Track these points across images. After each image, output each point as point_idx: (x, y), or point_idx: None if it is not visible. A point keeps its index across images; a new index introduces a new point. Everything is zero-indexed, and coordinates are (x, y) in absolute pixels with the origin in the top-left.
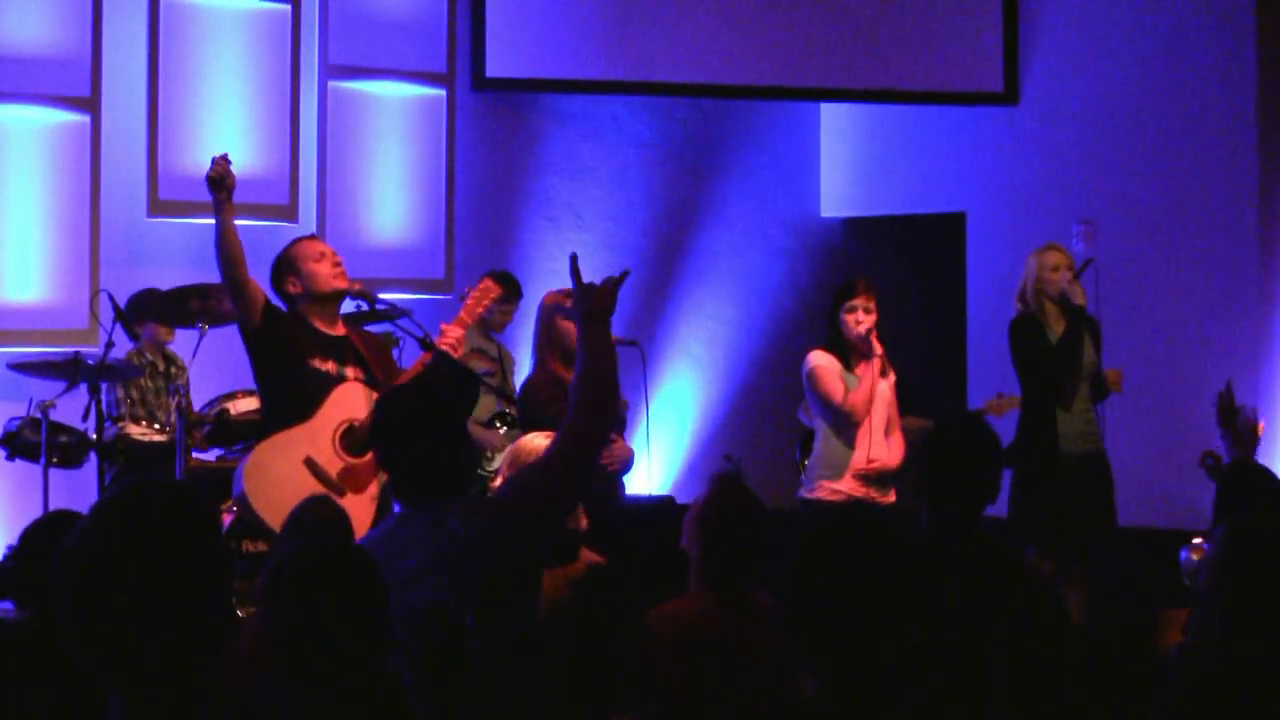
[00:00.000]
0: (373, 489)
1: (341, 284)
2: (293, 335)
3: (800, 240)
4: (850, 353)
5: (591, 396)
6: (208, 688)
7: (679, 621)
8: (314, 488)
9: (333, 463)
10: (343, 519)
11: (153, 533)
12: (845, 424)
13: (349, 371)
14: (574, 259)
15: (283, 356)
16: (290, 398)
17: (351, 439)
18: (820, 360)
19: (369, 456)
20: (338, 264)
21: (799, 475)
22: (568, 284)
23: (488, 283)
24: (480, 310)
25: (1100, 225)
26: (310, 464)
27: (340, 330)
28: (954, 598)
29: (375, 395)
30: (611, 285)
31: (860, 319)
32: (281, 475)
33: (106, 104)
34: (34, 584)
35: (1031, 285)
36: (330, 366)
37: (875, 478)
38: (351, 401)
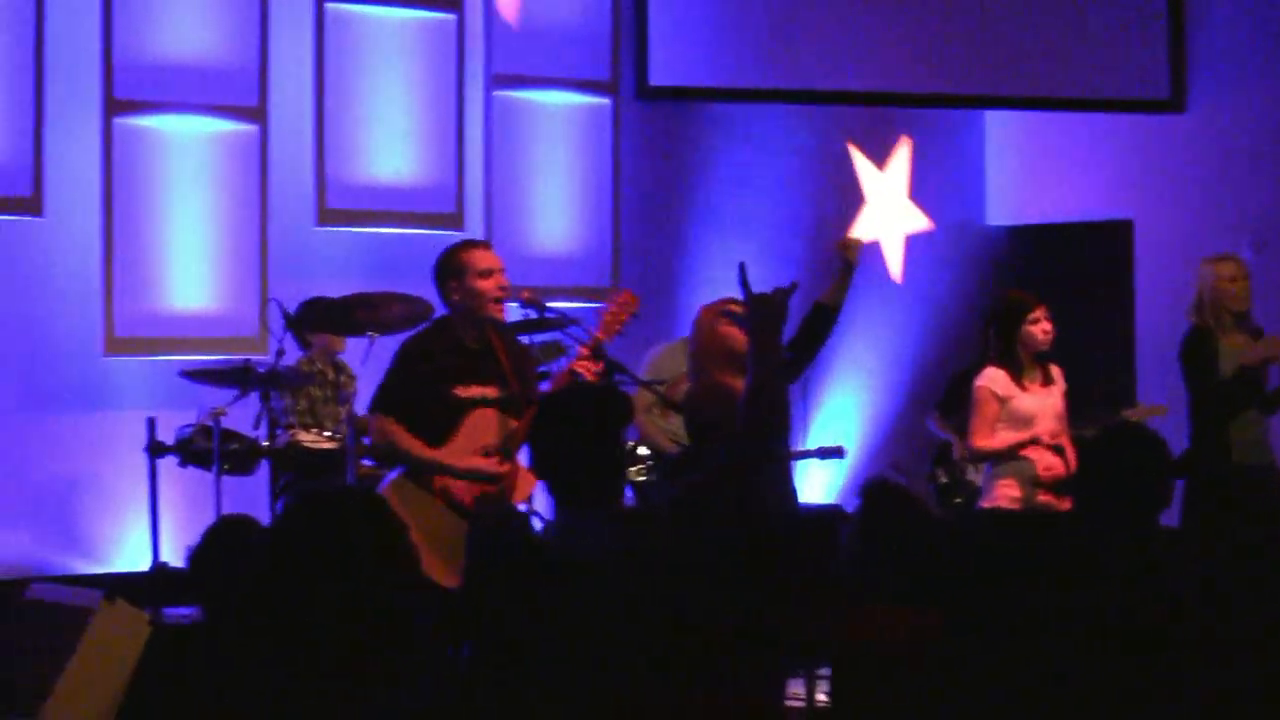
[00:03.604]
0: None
1: (498, 314)
2: (438, 361)
3: (965, 249)
4: (1026, 368)
5: (761, 410)
6: (394, 682)
7: (848, 634)
8: (450, 518)
9: (467, 489)
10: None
11: (344, 535)
12: (970, 459)
13: (490, 390)
14: (743, 268)
15: (428, 386)
16: (428, 423)
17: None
18: (989, 382)
19: (501, 484)
20: (503, 286)
21: (929, 486)
22: (730, 292)
23: (627, 295)
24: (618, 326)
25: (1270, 233)
26: (444, 493)
27: (487, 340)
28: (1129, 606)
29: (506, 417)
30: (781, 296)
31: (1047, 329)
32: (417, 510)
33: (274, 114)
34: (215, 587)
35: (1208, 296)
36: (473, 391)
37: (1052, 485)
38: (485, 426)
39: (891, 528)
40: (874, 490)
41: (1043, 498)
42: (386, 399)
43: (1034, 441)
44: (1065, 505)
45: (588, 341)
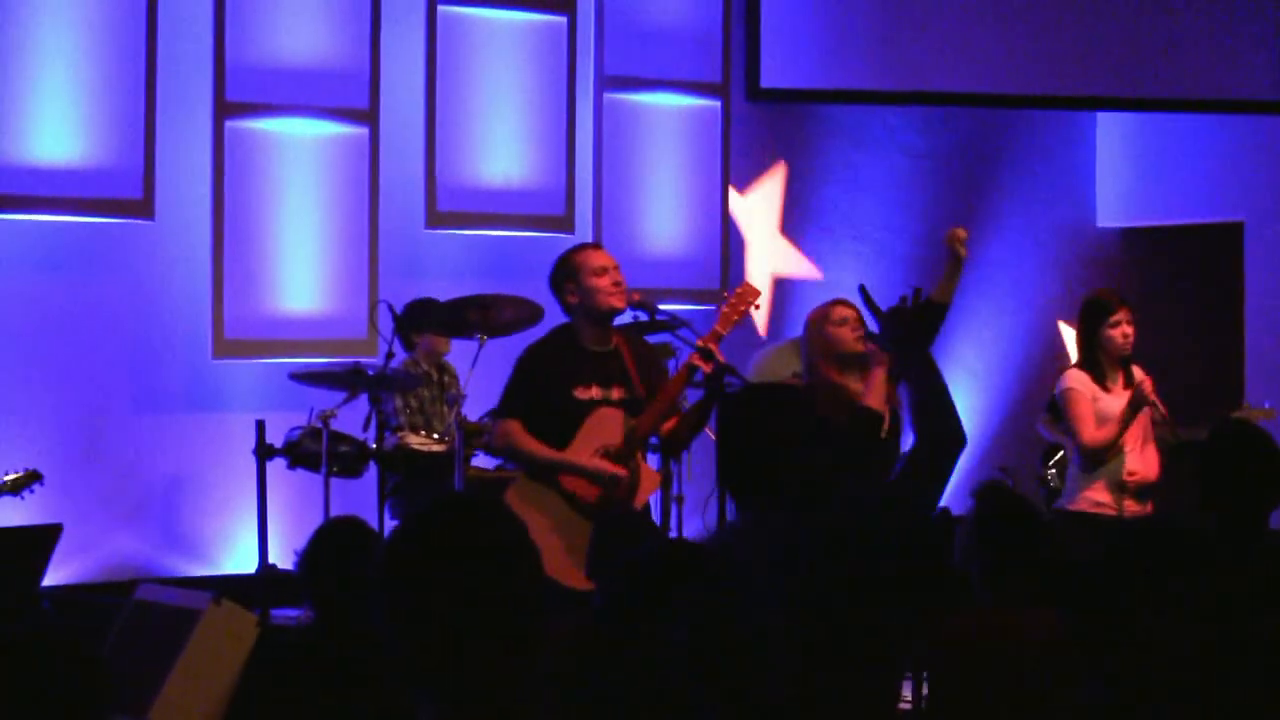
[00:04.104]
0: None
1: (619, 303)
2: (558, 365)
3: (1075, 251)
4: (1108, 370)
5: (931, 422)
6: (521, 693)
7: (963, 636)
8: (574, 520)
9: (589, 490)
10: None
11: (472, 541)
12: (1090, 457)
13: (613, 393)
14: (864, 291)
15: (547, 389)
16: (550, 426)
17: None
18: (1074, 382)
19: (624, 484)
20: (618, 283)
21: (1040, 489)
22: (840, 295)
23: (747, 286)
24: (736, 318)
25: None
26: (569, 495)
27: (611, 344)
28: (1246, 609)
29: (632, 417)
30: (914, 304)
31: (1128, 333)
32: (540, 512)
33: (385, 117)
34: (324, 589)
35: None
36: (594, 392)
37: (1135, 490)
38: (607, 426)
39: (1004, 531)
40: (987, 493)
41: (1128, 503)
42: (508, 403)
43: (1145, 403)
44: (1149, 510)
45: (698, 344)
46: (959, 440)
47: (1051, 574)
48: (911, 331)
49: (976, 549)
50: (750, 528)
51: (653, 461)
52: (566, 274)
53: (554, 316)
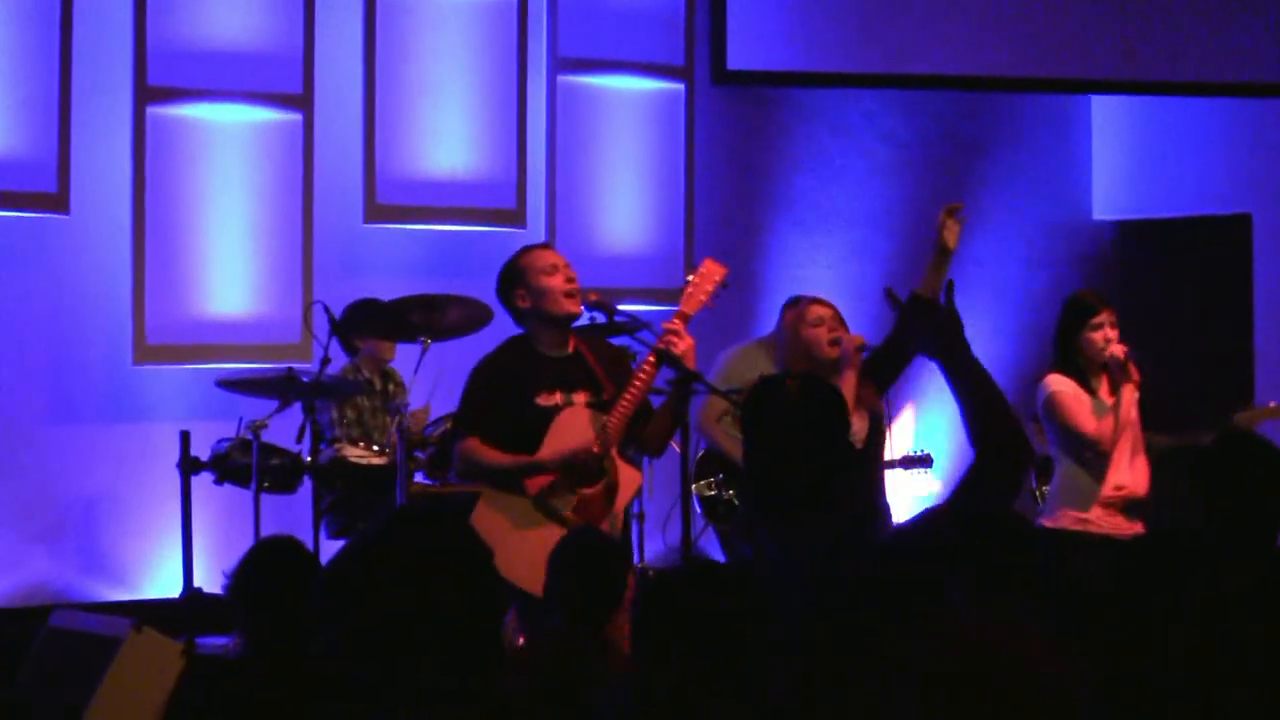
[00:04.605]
0: (610, 516)
1: (573, 308)
2: (516, 374)
3: (1069, 246)
4: (1090, 375)
5: (995, 428)
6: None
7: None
8: (548, 530)
9: (563, 498)
10: (618, 546)
11: (428, 557)
12: (1093, 454)
13: (577, 398)
14: (891, 293)
15: (506, 399)
16: (513, 438)
17: (582, 469)
18: (1060, 385)
19: (601, 485)
20: (571, 280)
21: (1034, 503)
22: (815, 292)
23: (709, 265)
24: (703, 298)
25: None
26: (540, 503)
27: (570, 348)
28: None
29: (599, 414)
30: (945, 301)
31: (1110, 336)
32: (509, 524)
33: (320, 102)
34: (256, 615)
35: None
36: (556, 398)
37: (1123, 505)
38: (576, 426)
39: (999, 549)
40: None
41: (1116, 520)
42: (467, 420)
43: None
44: (1136, 528)
45: (655, 346)
46: (1025, 449)
47: (1045, 594)
48: (953, 332)
49: (966, 567)
50: (801, 546)
51: None
52: (514, 279)
53: (504, 318)
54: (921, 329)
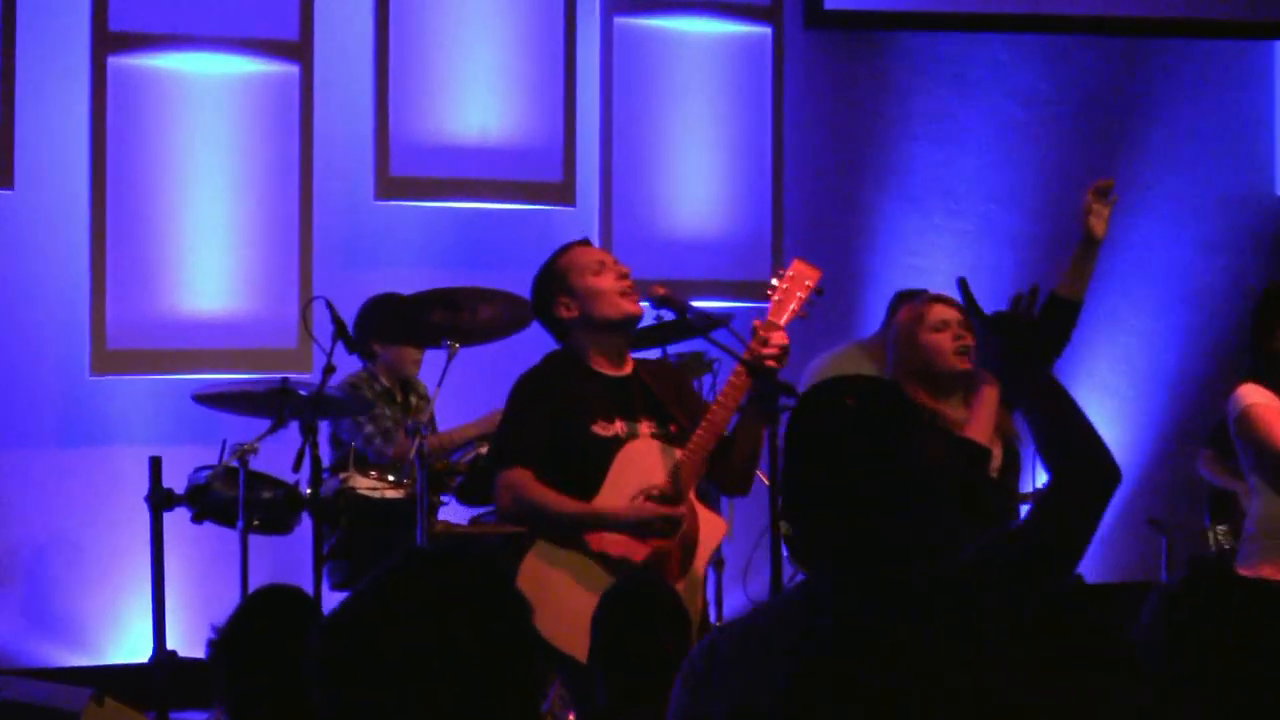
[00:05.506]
0: (689, 576)
1: (633, 308)
2: (568, 394)
3: (1248, 226)
4: None
5: (1074, 445)
6: None
7: None
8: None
9: (633, 548)
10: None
11: (448, 611)
12: None
13: (641, 427)
14: (964, 285)
15: (556, 426)
16: (568, 473)
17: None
18: (1257, 397)
19: (677, 537)
20: (624, 276)
21: (1205, 542)
22: (932, 285)
23: (799, 266)
24: (794, 305)
25: None
26: (603, 557)
27: (629, 368)
28: None
29: (670, 447)
30: (1028, 308)
31: None
32: (559, 577)
33: (320, 50)
34: (249, 682)
35: None
36: (617, 427)
37: None
38: (644, 463)
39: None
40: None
41: None
42: (512, 447)
43: None
44: None
45: (744, 352)
46: (1104, 474)
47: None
48: (1029, 345)
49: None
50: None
51: None
52: (554, 286)
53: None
54: (1004, 338)
